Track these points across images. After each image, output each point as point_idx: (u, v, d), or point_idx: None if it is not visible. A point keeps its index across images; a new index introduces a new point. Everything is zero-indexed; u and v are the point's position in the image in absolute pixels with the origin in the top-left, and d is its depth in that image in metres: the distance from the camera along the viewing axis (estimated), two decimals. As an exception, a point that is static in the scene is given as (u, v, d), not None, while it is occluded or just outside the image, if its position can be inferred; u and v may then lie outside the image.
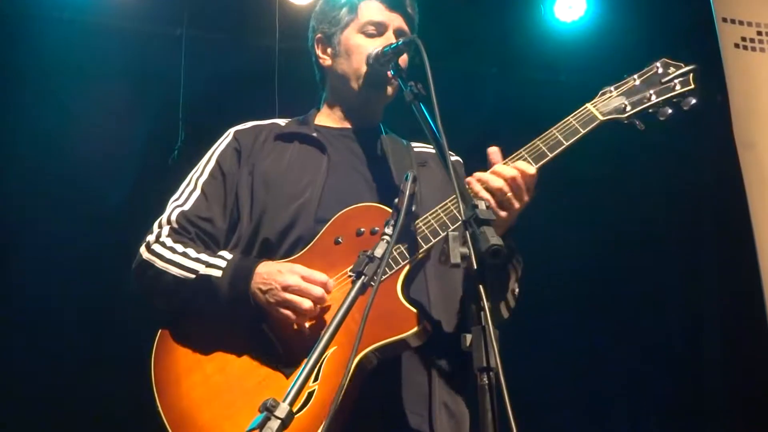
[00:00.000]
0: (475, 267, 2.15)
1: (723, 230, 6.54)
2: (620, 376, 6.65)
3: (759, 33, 5.14)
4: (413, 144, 3.31)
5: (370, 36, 3.17)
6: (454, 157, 3.29)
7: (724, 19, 5.16)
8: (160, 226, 3.04)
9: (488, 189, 2.72)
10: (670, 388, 6.59)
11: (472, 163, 3.28)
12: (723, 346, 6.62)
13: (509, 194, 2.72)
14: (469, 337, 2.13)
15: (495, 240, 2.09)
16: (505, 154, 2.85)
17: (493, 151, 2.83)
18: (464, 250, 2.17)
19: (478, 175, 2.77)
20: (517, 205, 2.74)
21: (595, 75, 6.38)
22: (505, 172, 2.73)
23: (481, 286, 2.12)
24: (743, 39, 5.13)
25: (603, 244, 6.62)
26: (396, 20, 3.19)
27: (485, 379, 2.06)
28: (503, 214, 2.72)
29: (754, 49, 5.13)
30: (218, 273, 2.82)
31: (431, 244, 2.77)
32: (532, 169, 2.75)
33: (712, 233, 6.81)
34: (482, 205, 2.22)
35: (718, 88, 5.12)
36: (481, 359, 2.08)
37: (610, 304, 6.61)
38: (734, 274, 6.03)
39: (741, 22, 5.18)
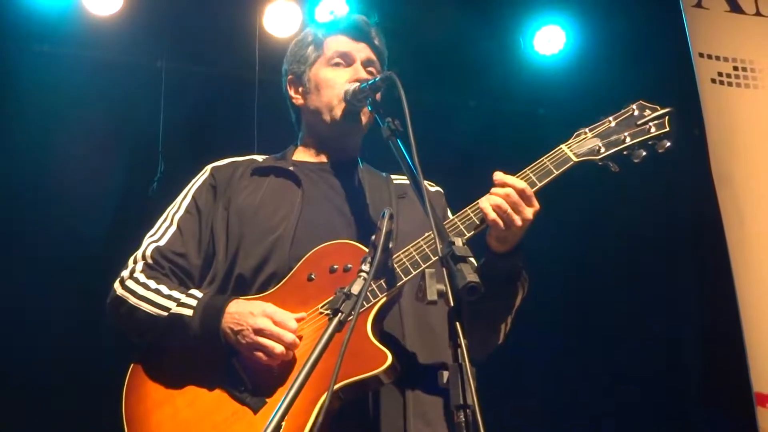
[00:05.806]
0: (452, 304, 2.14)
1: (701, 263, 6.59)
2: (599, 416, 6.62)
3: (735, 68, 5.20)
4: (393, 176, 3.29)
5: (337, 66, 3.20)
6: (435, 188, 3.31)
7: (701, 55, 5.23)
8: (135, 262, 3.03)
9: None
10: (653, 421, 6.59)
11: (450, 195, 3.30)
12: (701, 373, 6.68)
13: (508, 210, 2.71)
14: (446, 374, 2.12)
15: (472, 277, 2.09)
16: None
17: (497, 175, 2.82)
18: (441, 287, 2.17)
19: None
20: (518, 222, 2.73)
21: (574, 107, 6.47)
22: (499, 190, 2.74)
23: (458, 324, 2.11)
24: (720, 74, 5.19)
25: (578, 279, 6.63)
26: (363, 50, 3.23)
27: (462, 416, 2.05)
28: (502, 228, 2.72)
29: (730, 84, 5.20)
30: (189, 312, 2.81)
31: (402, 282, 2.75)
32: (522, 184, 2.75)
33: (689, 265, 6.85)
34: (459, 242, 2.22)
35: (696, 123, 5.18)
36: (458, 396, 2.07)
37: (585, 336, 6.61)
38: (712, 305, 6.08)
39: (717, 58, 5.24)
